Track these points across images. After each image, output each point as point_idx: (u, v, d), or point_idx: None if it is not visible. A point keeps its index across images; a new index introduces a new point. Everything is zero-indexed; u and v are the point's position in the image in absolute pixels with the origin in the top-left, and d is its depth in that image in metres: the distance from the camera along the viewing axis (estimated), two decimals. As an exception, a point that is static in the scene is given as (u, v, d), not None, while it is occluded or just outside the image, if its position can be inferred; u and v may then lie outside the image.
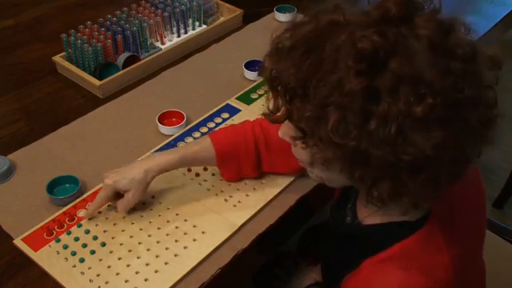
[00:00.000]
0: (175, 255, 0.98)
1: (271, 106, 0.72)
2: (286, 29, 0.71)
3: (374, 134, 0.62)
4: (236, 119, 1.28)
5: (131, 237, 1.01)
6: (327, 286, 0.96)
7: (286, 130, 0.77)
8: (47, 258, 0.97)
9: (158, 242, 1.00)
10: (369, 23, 0.64)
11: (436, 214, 0.77)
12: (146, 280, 0.94)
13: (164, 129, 1.25)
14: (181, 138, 1.23)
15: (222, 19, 1.70)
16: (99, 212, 1.05)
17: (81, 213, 1.04)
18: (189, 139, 1.23)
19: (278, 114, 0.72)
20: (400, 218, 0.78)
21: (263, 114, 0.75)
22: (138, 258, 0.97)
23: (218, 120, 1.29)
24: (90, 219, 1.04)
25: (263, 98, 1.35)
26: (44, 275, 0.96)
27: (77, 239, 1.00)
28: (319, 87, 0.63)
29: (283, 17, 1.70)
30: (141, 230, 1.02)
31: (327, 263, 1.02)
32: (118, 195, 1.02)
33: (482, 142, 0.68)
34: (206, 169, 1.15)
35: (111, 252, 0.98)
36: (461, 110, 0.63)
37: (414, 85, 0.61)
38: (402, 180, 0.65)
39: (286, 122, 0.74)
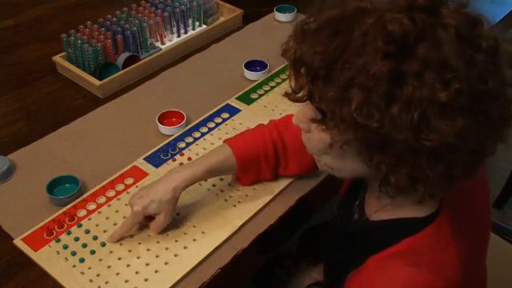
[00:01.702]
0: (175, 255, 0.98)
1: (293, 86, 0.72)
2: (310, 14, 0.71)
3: (397, 117, 0.62)
4: (236, 119, 1.28)
5: (131, 237, 1.01)
6: (330, 286, 0.95)
7: (302, 115, 0.76)
8: (47, 258, 0.97)
9: (157, 242, 1.00)
10: (396, 10, 0.65)
11: (446, 210, 0.77)
12: (146, 280, 0.94)
13: (164, 129, 1.25)
14: (181, 137, 1.23)
15: (222, 19, 1.70)
16: (99, 212, 1.05)
17: (104, 236, 1.01)
18: (189, 139, 1.23)
19: (299, 95, 0.71)
20: (409, 214, 0.78)
21: (285, 94, 0.75)
22: (137, 258, 0.97)
23: (218, 120, 1.29)
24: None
25: (263, 98, 1.35)
26: (44, 275, 0.96)
27: (77, 239, 1.00)
28: (344, 69, 0.63)
29: (283, 17, 1.70)
30: (141, 229, 1.02)
31: (330, 262, 1.02)
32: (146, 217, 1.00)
33: (499, 138, 0.69)
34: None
35: (111, 252, 0.98)
36: (483, 102, 0.63)
37: (440, 71, 0.61)
38: (421, 167, 0.65)
39: (304, 105, 0.74)
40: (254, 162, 1.05)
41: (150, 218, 1.00)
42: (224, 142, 1.06)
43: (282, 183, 1.12)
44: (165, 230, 1.02)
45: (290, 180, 1.13)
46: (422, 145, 0.63)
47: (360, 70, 0.62)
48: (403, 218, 0.79)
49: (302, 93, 0.70)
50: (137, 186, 1.11)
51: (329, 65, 0.65)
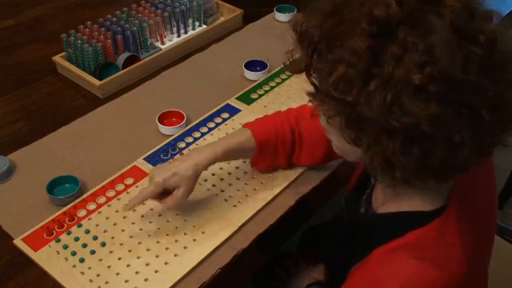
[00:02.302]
0: (175, 255, 0.98)
1: (295, 56, 0.75)
2: None
3: (371, 95, 0.63)
4: (236, 119, 1.28)
5: (131, 237, 1.01)
6: (331, 285, 0.95)
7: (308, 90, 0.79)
8: (47, 258, 0.97)
9: (157, 242, 1.00)
10: None
11: (453, 205, 0.77)
12: (146, 280, 0.94)
13: (164, 129, 1.25)
14: (181, 137, 1.23)
15: (222, 19, 1.70)
16: (99, 212, 1.05)
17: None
18: (189, 139, 1.23)
19: (298, 67, 0.74)
20: (415, 208, 0.78)
21: (284, 65, 0.77)
22: (137, 258, 0.97)
23: (218, 120, 1.29)
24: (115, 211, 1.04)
25: (263, 98, 1.36)
26: (44, 275, 0.96)
27: (77, 239, 1.00)
28: (335, 46, 0.66)
29: (283, 17, 1.70)
30: (141, 230, 1.02)
31: (333, 258, 1.01)
32: (163, 192, 1.00)
33: (496, 140, 0.68)
34: (205, 169, 1.15)
35: (111, 252, 0.98)
36: (466, 93, 0.63)
37: (419, 56, 0.62)
38: (395, 151, 0.66)
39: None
40: (272, 146, 1.07)
41: (164, 195, 1.00)
42: (243, 126, 1.09)
43: (282, 183, 1.12)
44: (165, 231, 1.02)
45: (290, 180, 1.13)
46: (395, 126, 0.64)
47: (347, 47, 0.65)
48: (409, 211, 0.79)
49: (301, 65, 0.72)
50: (137, 186, 1.11)
51: (324, 40, 0.67)
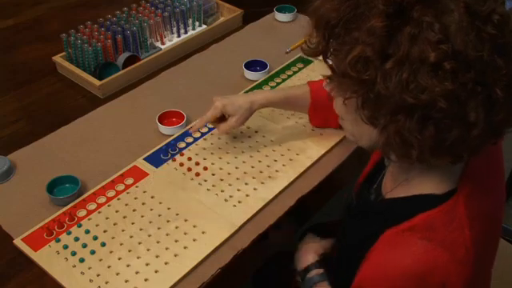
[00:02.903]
0: (175, 255, 0.98)
1: (313, 41, 0.76)
2: None
3: (388, 74, 0.65)
4: (236, 119, 1.28)
5: (131, 237, 1.01)
6: (342, 269, 0.95)
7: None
8: (47, 258, 0.97)
9: (158, 242, 1.00)
10: None
11: (463, 189, 0.78)
12: (146, 280, 0.94)
13: (164, 129, 1.25)
14: (181, 137, 1.23)
15: (222, 19, 1.70)
16: (99, 212, 1.05)
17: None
18: (189, 139, 1.23)
19: (315, 50, 0.76)
20: (426, 191, 0.79)
21: (302, 49, 0.79)
22: (137, 258, 0.97)
23: (218, 120, 1.29)
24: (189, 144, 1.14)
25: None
26: (44, 275, 0.96)
27: (77, 239, 1.00)
28: (352, 29, 0.68)
29: (283, 17, 1.70)
30: (141, 230, 1.02)
31: (343, 244, 1.02)
32: (219, 119, 1.15)
33: (506, 118, 0.69)
34: (206, 168, 1.15)
35: (111, 252, 0.98)
36: (478, 72, 0.64)
37: (434, 35, 0.64)
38: (411, 129, 0.68)
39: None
40: (326, 107, 1.13)
41: (220, 120, 1.16)
42: (307, 82, 1.19)
43: (282, 183, 1.12)
44: (165, 231, 1.02)
45: (289, 180, 1.13)
46: (411, 103, 0.65)
47: (363, 30, 0.67)
48: (419, 194, 0.81)
49: (318, 48, 0.75)
50: (137, 186, 1.11)
51: (341, 23, 0.69)
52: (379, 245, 0.79)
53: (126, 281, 0.94)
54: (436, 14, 0.64)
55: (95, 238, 1.00)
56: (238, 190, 1.11)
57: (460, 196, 0.77)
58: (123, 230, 1.02)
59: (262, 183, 1.12)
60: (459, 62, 0.64)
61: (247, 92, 1.38)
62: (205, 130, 1.26)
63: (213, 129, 1.26)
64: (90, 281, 0.93)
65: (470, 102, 0.65)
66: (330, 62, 0.74)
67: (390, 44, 0.65)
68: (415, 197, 0.81)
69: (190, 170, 1.15)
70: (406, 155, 0.72)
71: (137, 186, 1.11)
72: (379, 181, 0.95)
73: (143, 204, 1.07)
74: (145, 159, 1.17)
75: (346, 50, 0.68)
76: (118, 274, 0.95)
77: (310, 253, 1.07)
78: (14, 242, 1.00)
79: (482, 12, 0.65)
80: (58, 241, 1.00)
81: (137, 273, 0.95)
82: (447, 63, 0.63)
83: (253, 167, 1.16)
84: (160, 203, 1.07)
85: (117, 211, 1.06)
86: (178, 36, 1.62)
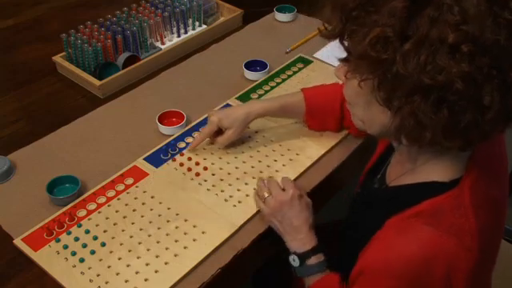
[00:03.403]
0: (175, 255, 0.98)
1: (330, 26, 0.78)
2: None
3: (406, 55, 0.66)
4: (236, 119, 1.28)
5: (131, 237, 1.01)
6: (346, 256, 0.95)
7: (337, 66, 0.82)
8: (47, 258, 0.97)
9: (158, 242, 1.00)
10: None
11: (469, 177, 0.78)
12: (146, 280, 0.94)
13: (164, 129, 1.25)
14: (181, 137, 1.23)
15: (222, 19, 1.70)
16: (99, 212, 1.05)
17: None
18: (189, 139, 1.23)
19: (332, 33, 0.77)
20: (432, 178, 0.80)
21: (318, 30, 0.80)
22: (137, 258, 0.97)
23: (218, 120, 1.29)
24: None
25: (264, 98, 1.35)
26: (44, 275, 0.96)
27: (77, 239, 1.00)
28: (370, 11, 0.70)
29: (283, 17, 1.70)
30: (141, 230, 1.02)
31: (348, 233, 1.02)
32: (217, 132, 1.17)
33: None
34: (206, 168, 1.15)
35: (111, 252, 0.98)
36: (494, 56, 0.66)
37: (453, 17, 0.65)
38: (426, 110, 0.68)
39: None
40: (321, 112, 1.18)
41: (216, 135, 1.17)
42: (301, 89, 1.20)
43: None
44: (165, 231, 1.02)
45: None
46: (428, 84, 0.66)
47: (383, 11, 0.68)
48: (425, 181, 0.81)
49: (335, 30, 0.75)
50: (137, 186, 1.11)
51: (359, 6, 0.71)
52: (384, 231, 0.79)
53: (126, 281, 0.94)
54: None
55: (95, 238, 1.00)
56: (238, 190, 1.11)
57: (465, 184, 0.78)
58: (123, 230, 1.02)
59: (265, 179, 1.12)
60: (476, 46, 0.65)
61: (243, 94, 1.38)
62: (205, 129, 1.26)
63: (213, 129, 1.26)
64: (90, 281, 0.93)
65: (486, 85, 0.66)
66: (347, 46, 0.75)
67: (409, 25, 0.66)
68: (421, 184, 0.82)
69: (190, 170, 1.15)
70: (419, 138, 0.73)
71: (137, 186, 1.11)
72: (383, 171, 0.96)
73: (143, 204, 1.07)
74: (145, 159, 1.17)
75: (364, 31, 0.69)
76: (118, 273, 0.95)
77: (304, 211, 1.01)
78: (14, 242, 1.00)
79: (508, 3, 0.66)
80: (58, 241, 1.00)
81: (137, 273, 0.95)
82: (465, 46, 0.64)
83: (253, 167, 1.16)
84: (160, 203, 1.07)
85: (117, 211, 1.06)
86: (178, 36, 1.62)
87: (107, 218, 1.04)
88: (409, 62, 0.67)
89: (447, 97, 0.67)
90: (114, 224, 1.03)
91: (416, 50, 0.66)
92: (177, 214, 1.05)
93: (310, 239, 0.99)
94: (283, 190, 1.03)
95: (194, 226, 1.03)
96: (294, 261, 0.99)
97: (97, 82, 1.38)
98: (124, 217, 1.04)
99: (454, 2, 0.65)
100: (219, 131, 1.17)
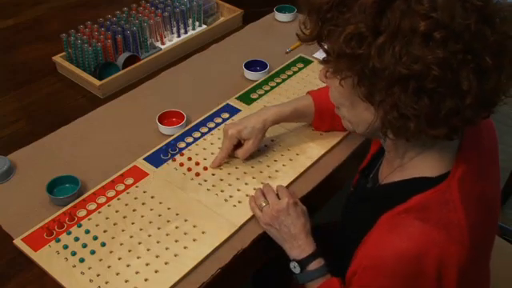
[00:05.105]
0: (175, 255, 0.98)
1: (307, 28, 0.80)
2: None
3: (381, 48, 0.69)
4: (236, 119, 1.28)
5: (131, 237, 1.01)
6: (340, 256, 0.96)
7: (320, 70, 0.85)
8: (47, 258, 0.97)
9: (158, 242, 1.00)
10: None
11: (457, 172, 0.79)
12: (146, 280, 0.94)
13: (164, 129, 1.25)
14: (181, 137, 1.23)
15: (222, 19, 1.70)
16: (99, 212, 1.05)
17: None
18: (189, 139, 1.23)
19: (310, 36, 0.80)
20: (420, 174, 0.81)
21: (297, 35, 0.81)
22: (137, 258, 0.97)
23: (218, 120, 1.29)
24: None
25: (263, 98, 1.36)
26: (44, 275, 0.96)
27: (77, 239, 1.00)
28: (343, 11, 0.72)
29: (283, 17, 1.70)
30: (141, 230, 1.02)
31: (343, 233, 1.03)
32: (235, 146, 1.15)
33: (499, 89, 0.72)
34: (206, 168, 1.15)
35: (111, 252, 0.98)
36: (467, 40, 0.67)
37: (422, 7, 0.67)
38: (406, 101, 0.70)
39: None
40: (330, 114, 1.16)
41: (236, 148, 1.15)
42: (307, 93, 1.21)
43: (282, 183, 1.12)
44: (165, 231, 1.02)
45: (289, 181, 1.13)
46: (405, 74, 0.68)
47: (354, 9, 0.71)
48: (413, 177, 0.82)
49: (312, 33, 0.78)
50: (137, 186, 1.11)
51: (333, 8, 0.73)
52: (376, 229, 0.81)
53: (126, 281, 0.94)
54: None
55: (95, 237, 1.00)
56: (238, 190, 1.11)
57: (453, 179, 0.79)
58: (123, 230, 1.02)
59: (262, 183, 1.12)
60: (448, 31, 0.66)
61: (243, 94, 1.38)
62: (205, 129, 1.26)
63: (213, 129, 1.26)
64: (90, 281, 0.93)
65: (462, 70, 0.68)
66: (326, 47, 0.77)
67: (381, 20, 0.69)
68: (409, 180, 0.83)
69: (190, 170, 1.15)
70: (404, 129, 0.74)
71: (137, 186, 1.11)
72: (376, 170, 0.97)
73: (143, 204, 1.07)
74: (145, 159, 1.17)
75: (339, 31, 0.72)
76: (118, 273, 0.95)
77: (301, 217, 1.02)
78: (14, 242, 1.00)
79: None
80: (58, 241, 1.00)
81: (137, 273, 0.95)
82: (437, 33, 0.66)
83: (253, 167, 1.16)
84: (160, 203, 1.07)
85: (117, 211, 1.06)
86: (178, 36, 1.62)
87: (107, 218, 1.04)
88: (384, 54, 0.68)
89: (426, 85, 0.68)
90: (114, 224, 1.03)
91: (390, 43, 0.68)
92: (177, 214, 1.05)
93: (308, 245, 1.00)
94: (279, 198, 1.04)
95: (194, 226, 1.03)
96: (295, 268, 1.00)
97: (97, 82, 1.38)
98: (124, 217, 1.04)
99: None
100: (237, 144, 1.15)
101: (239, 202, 1.08)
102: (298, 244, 1.00)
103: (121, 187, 1.11)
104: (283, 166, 1.17)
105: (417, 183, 0.81)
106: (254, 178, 1.14)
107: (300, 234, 1.00)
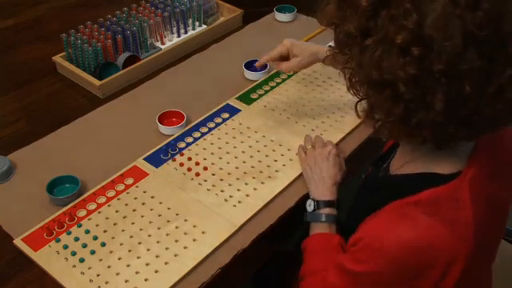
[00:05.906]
0: (175, 255, 0.98)
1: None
2: None
3: (364, 50, 0.71)
4: (236, 119, 1.28)
5: (131, 237, 1.01)
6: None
7: None
8: (47, 258, 0.97)
9: (158, 242, 1.00)
10: None
11: (469, 172, 0.79)
12: (146, 280, 0.94)
13: (164, 129, 1.25)
14: (181, 137, 1.23)
15: (222, 19, 1.70)
16: (99, 212, 1.05)
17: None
18: (189, 139, 1.23)
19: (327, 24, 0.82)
20: (433, 170, 0.82)
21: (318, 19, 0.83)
22: (137, 258, 0.97)
23: (218, 120, 1.29)
24: None
25: (263, 98, 1.36)
26: (44, 275, 0.96)
27: (77, 239, 1.00)
28: (344, 8, 0.75)
29: (283, 17, 1.70)
30: (141, 230, 1.02)
31: (348, 217, 1.03)
32: (283, 58, 1.20)
33: (476, 112, 0.69)
34: (206, 168, 1.15)
35: (111, 252, 0.98)
36: (449, 63, 0.65)
37: (408, 20, 0.66)
38: (379, 105, 0.73)
39: None
40: None
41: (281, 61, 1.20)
42: None
43: (282, 184, 1.12)
44: (165, 231, 1.02)
45: (289, 180, 1.13)
46: (376, 80, 0.70)
47: (350, 10, 0.73)
48: (425, 172, 0.83)
49: (328, 23, 0.80)
50: (137, 186, 1.11)
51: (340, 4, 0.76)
52: (384, 212, 0.81)
53: (126, 281, 0.94)
54: (415, 2, 0.66)
55: (95, 237, 1.00)
56: (238, 190, 1.11)
57: (465, 178, 0.79)
58: (123, 230, 1.02)
59: (262, 183, 1.12)
60: (427, 50, 0.65)
61: (243, 94, 1.38)
62: (205, 129, 1.26)
63: (213, 129, 1.26)
64: (90, 281, 0.93)
65: (436, 91, 0.67)
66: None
67: (375, 22, 0.70)
68: (421, 174, 0.83)
69: (190, 170, 1.15)
70: (384, 130, 0.77)
71: (137, 186, 1.11)
72: (389, 161, 0.97)
73: (143, 204, 1.07)
74: (145, 159, 1.17)
75: (338, 25, 0.75)
76: (118, 273, 0.95)
77: (336, 167, 1.10)
78: (14, 242, 1.00)
79: (463, 4, 0.65)
80: (58, 241, 1.00)
81: (137, 273, 0.95)
82: (415, 48, 0.65)
83: (253, 167, 1.16)
84: (160, 203, 1.07)
85: (117, 211, 1.06)
86: (178, 36, 1.62)
87: (107, 218, 1.04)
88: (364, 56, 0.71)
89: (400, 96, 0.69)
90: (114, 224, 1.03)
91: (373, 47, 0.70)
92: (177, 214, 1.05)
93: (331, 193, 1.06)
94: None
95: (194, 226, 1.03)
96: (310, 205, 1.06)
97: (97, 82, 1.38)
98: (124, 217, 1.04)
99: (412, 5, 0.66)
100: (285, 58, 1.20)
101: (239, 202, 1.08)
102: (323, 187, 1.07)
103: (121, 187, 1.11)
104: (283, 166, 1.17)
105: (428, 178, 0.82)
106: (253, 178, 1.14)
107: (328, 180, 1.08)
